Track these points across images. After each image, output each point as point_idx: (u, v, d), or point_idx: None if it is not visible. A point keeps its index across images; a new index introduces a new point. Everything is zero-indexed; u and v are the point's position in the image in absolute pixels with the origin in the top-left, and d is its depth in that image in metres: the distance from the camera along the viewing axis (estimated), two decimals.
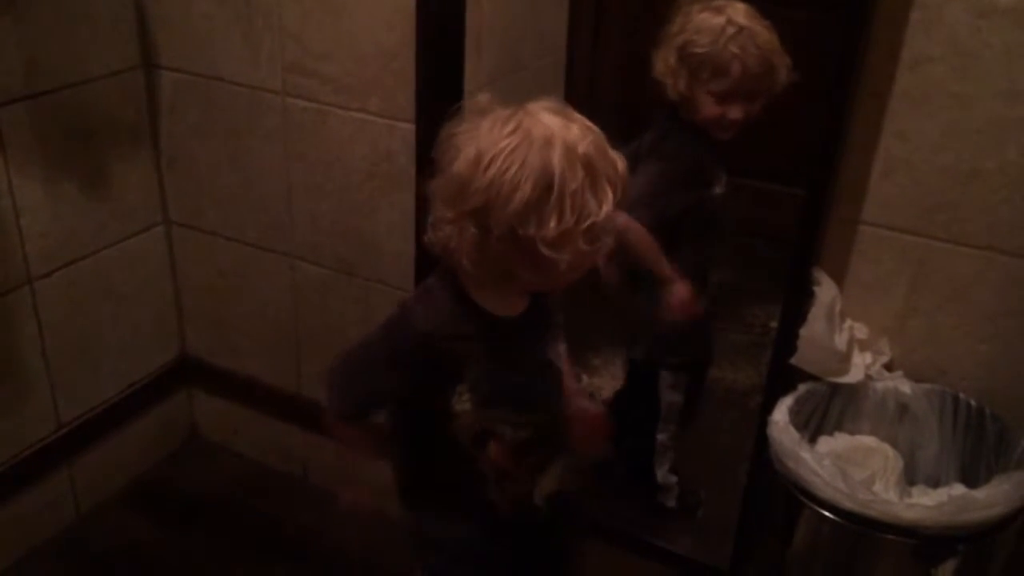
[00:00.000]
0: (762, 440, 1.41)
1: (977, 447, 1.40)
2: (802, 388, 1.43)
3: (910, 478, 1.44)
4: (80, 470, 1.96)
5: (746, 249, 2.91)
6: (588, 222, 1.06)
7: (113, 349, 1.97)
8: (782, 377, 1.46)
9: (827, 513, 1.27)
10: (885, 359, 1.45)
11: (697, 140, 1.68)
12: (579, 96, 3.24)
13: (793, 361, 1.43)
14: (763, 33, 1.57)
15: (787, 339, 1.43)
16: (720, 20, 1.57)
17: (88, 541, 1.95)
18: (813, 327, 1.41)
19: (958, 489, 1.37)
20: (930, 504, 1.24)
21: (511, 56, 2.86)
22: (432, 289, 1.21)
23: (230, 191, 1.91)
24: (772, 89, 1.60)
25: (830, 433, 1.46)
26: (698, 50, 1.58)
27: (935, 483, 1.43)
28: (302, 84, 1.73)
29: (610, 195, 1.09)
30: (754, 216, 2.87)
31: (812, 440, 1.43)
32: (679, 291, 1.70)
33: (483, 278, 1.15)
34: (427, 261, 1.77)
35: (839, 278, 1.45)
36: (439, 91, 1.64)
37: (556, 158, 1.05)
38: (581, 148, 1.07)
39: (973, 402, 1.41)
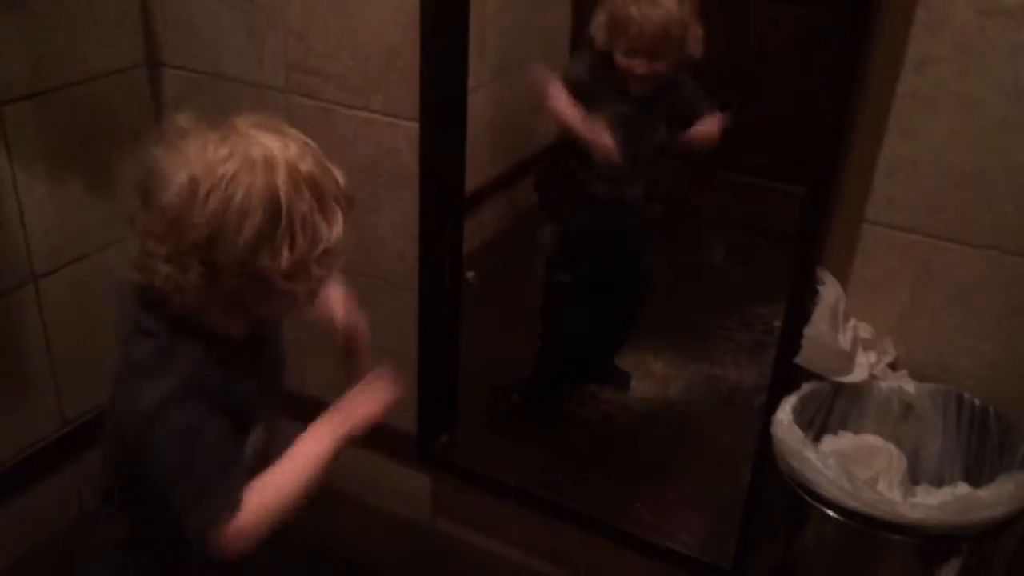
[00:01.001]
0: (766, 439, 1.40)
1: (981, 446, 1.40)
2: (806, 387, 1.43)
3: (914, 477, 1.43)
4: (85, 467, 1.96)
5: (750, 248, 2.91)
6: (321, 247, 1.02)
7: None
8: (786, 376, 1.45)
9: (831, 512, 1.27)
10: (889, 358, 1.45)
11: (603, 72, 1.97)
12: None
13: (797, 360, 1.43)
14: (667, 3, 1.85)
15: (791, 338, 1.43)
16: None
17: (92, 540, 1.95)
18: (817, 326, 1.41)
19: (962, 488, 1.37)
20: (934, 503, 1.24)
21: (514, 54, 2.86)
22: (163, 353, 1.08)
23: None
24: (680, 53, 1.89)
25: (834, 432, 1.45)
26: (615, 10, 1.89)
27: (939, 482, 1.43)
28: (306, 82, 1.73)
29: (339, 214, 1.04)
30: (758, 214, 2.87)
31: (816, 439, 1.43)
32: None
33: (206, 310, 1.07)
34: (431, 260, 1.79)
35: (843, 277, 1.45)
36: (443, 89, 1.64)
37: (281, 181, 0.99)
38: (304, 167, 1.01)
39: (978, 401, 1.40)
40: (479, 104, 2.59)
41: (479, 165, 2.55)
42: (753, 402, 2.17)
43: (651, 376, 2.44)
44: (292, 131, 1.06)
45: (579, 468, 2.06)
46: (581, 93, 1.96)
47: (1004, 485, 1.24)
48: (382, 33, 1.62)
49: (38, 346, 1.80)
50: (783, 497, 1.35)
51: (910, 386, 1.43)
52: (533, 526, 1.91)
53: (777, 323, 1.51)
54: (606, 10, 1.92)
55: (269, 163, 1.00)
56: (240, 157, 0.99)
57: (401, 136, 1.68)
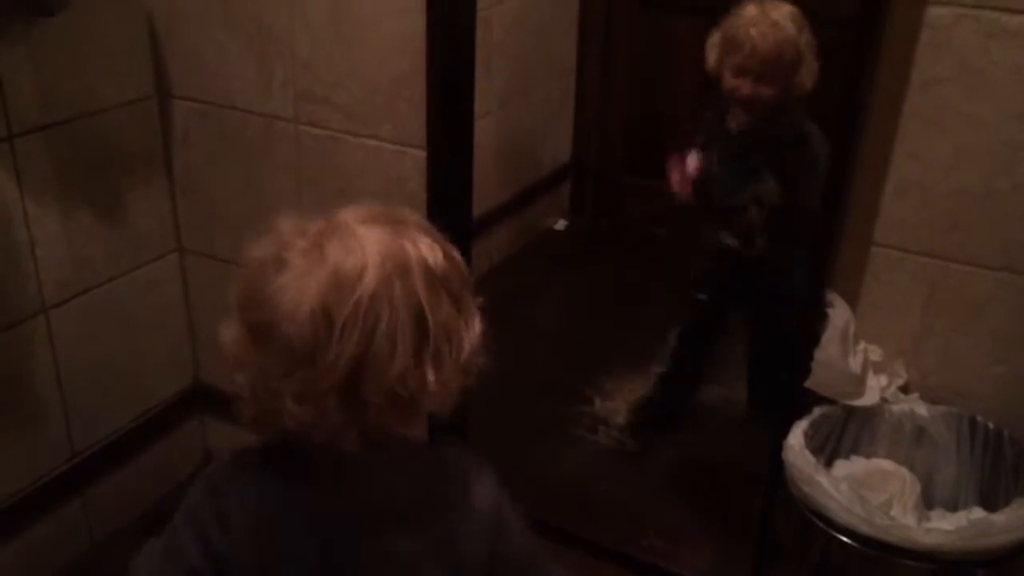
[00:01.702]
0: (777, 464, 1.39)
1: (995, 470, 1.39)
2: (817, 411, 1.42)
3: (928, 502, 1.42)
4: (94, 498, 1.96)
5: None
6: (466, 353, 0.88)
7: (127, 377, 1.98)
8: (797, 401, 1.45)
9: (844, 538, 1.25)
10: (901, 381, 1.44)
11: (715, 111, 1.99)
12: (588, 121, 3.26)
13: (807, 384, 1.42)
14: (787, 28, 1.83)
15: (801, 362, 1.42)
16: (754, 9, 1.86)
17: (102, 570, 1.94)
18: (827, 350, 1.40)
19: (977, 513, 1.35)
20: (949, 529, 1.23)
21: (521, 80, 2.88)
22: None
23: (243, 218, 1.92)
24: (787, 79, 1.86)
25: (846, 457, 1.44)
26: (732, 31, 1.88)
27: (953, 507, 1.42)
28: (314, 112, 1.74)
29: (473, 307, 0.90)
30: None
31: (828, 464, 1.42)
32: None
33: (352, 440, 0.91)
34: None
35: (853, 300, 1.44)
36: (450, 117, 1.65)
37: (420, 289, 0.84)
38: (434, 263, 0.86)
39: (991, 425, 1.39)
40: (486, 130, 2.61)
41: (487, 190, 2.56)
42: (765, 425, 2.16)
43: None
44: (406, 213, 0.91)
45: (588, 493, 2.05)
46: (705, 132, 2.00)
47: (1020, 509, 1.23)
48: (389, 62, 1.64)
49: (48, 377, 1.81)
50: (796, 522, 1.34)
51: (922, 409, 1.42)
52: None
53: None
54: (721, 30, 1.91)
55: (404, 269, 0.84)
56: (374, 271, 0.83)
57: (409, 164, 1.69)
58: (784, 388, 2.20)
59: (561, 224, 3.34)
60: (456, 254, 0.92)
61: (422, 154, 1.67)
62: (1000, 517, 1.22)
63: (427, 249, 0.87)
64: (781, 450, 1.37)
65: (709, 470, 2.19)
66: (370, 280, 0.82)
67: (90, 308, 1.85)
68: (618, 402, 2.43)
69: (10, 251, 1.67)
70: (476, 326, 0.90)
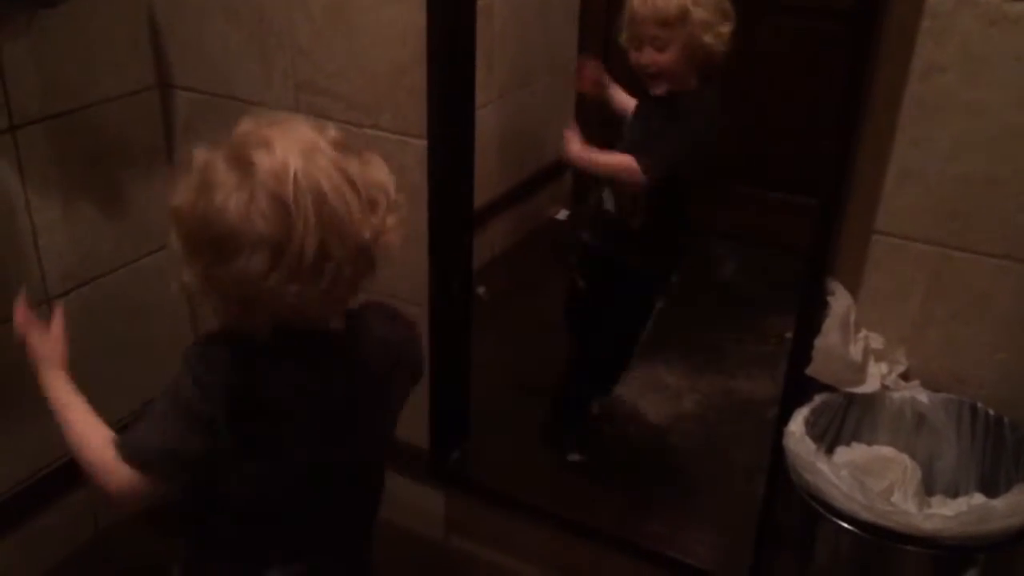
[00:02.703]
0: (778, 452, 1.40)
1: (996, 456, 1.39)
2: (818, 399, 1.43)
3: (929, 488, 1.42)
4: (98, 488, 1.97)
5: (760, 260, 2.91)
6: (393, 192, 1.04)
7: (131, 366, 1.98)
8: (798, 388, 1.45)
9: (845, 524, 1.26)
10: (901, 369, 1.44)
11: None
12: (590, 108, 3.25)
13: (808, 372, 1.43)
14: None
15: (802, 350, 1.43)
16: None
17: (108, 559, 1.96)
18: (828, 337, 1.40)
19: (977, 499, 1.36)
20: (949, 514, 1.23)
21: (522, 71, 2.87)
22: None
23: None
24: (688, 45, 1.81)
25: (847, 444, 1.45)
26: (629, 3, 1.86)
27: (954, 493, 1.42)
28: (315, 102, 1.74)
29: (374, 156, 1.05)
30: (767, 226, 2.87)
31: (829, 451, 1.42)
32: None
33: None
34: (441, 276, 1.80)
35: (854, 288, 1.44)
36: (451, 107, 1.65)
37: (334, 156, 1.00)
38: (334, 136, 1.02)
39: (991, 411, 1.39)
40: (487, 120, 2.60)
41: (488, 180, 2.56)
42: (766, 414, 2.17)
43: (664, 389, 2.43)
44: (287, 116, 1.10)
45: (592, 482, 2.05)
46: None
47: (1020, 495, 1.23)
48: (390, 52, 1.64)
49: None
50: (797, 510, 1.34)
51: (923, 396, 1.42)
52: (547, 541, 1.90)
53: (789, 334, 1.51)
54: (626, 5, 1.90)
55: (313, 147, 0.99)
56: (294, 155, 0.98)
57: (410, 154, 1.69)
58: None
59: (563, 214, 3.34)
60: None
61: (423, 144, 1.67)
62: (1000, 503, 1.22)
63: (318, 128, 1.02)
64: (782, 437, 1.38)
65: (711, 458, 2.20)
66: (295, 161, 0.96)
67: (93, 298, 1.86)
68: (621, 392, 2.43)
69: (13, 242, 1.68)
70: (383, 167, 1.04)
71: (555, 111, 3.21)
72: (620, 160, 1.89)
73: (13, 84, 1.61)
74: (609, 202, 2.03)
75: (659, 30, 1.81)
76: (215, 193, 0.97)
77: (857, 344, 1.42)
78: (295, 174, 0.95)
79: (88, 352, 1.87)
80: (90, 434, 1.19)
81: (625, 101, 2.09)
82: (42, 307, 1.76)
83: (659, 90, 1.89)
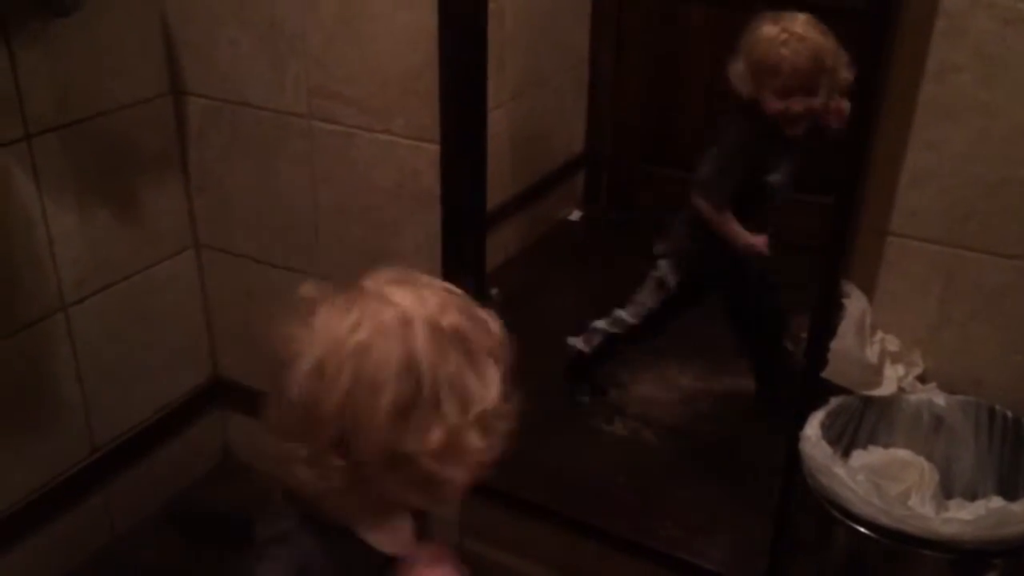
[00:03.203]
0: (794, 455, 1.39)
1: (1015, 459, 1.38)
2: (834, 402, 1.42)
3: (947, 491, 1.41)
4: (115, 492, 1.98)
5: (774, 259, 2.89)
6: (475, 411, 0.85)
7: (146, 372, 1.99)
8: (813, 391, 1.44)
9: (862, 529, 1.25)
10: (918, 371, 1.44)
11: (756, 130, 1.95)
12: (601, 111, 3.25)
13: (824, 375, 1.42)
14: (814, 37, 1.83)
15: (818, 352, 1.42)
16: (775, 29, 1.85)
17: (124, 564, 1.97)
18: (844, 340, 1.40)
19: (996, 502, 1.34)
20: (968, 518, 1.22)
21: (534, 71, 2.87)
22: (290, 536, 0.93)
23: (259, 214, 1.93)
24: (832, 84, 1.84)
25: (863, 447, 1.44)
26: (756, 56, 1.87)
27: (972, 496, 1.41)
28: (327, 107, 1.74)
29: (493, 368, 0.88)
30: (782, 225, 2.85)
31: (845, 454, 1.41)
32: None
33: (358, 518, 0.92)
34: (454, 279, 1.79)
35: (869, 290, 1.44)
36: (463, 110, 1.65)
37: (420, 343, 0.83)
38: (446, 321, 0.85)
39: (1009, 413, 1.38)
40: (499, 122, 2.60)
41: (500, 181, 2.56)
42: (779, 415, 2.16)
43: (677, 390, 2.42)
44: (431, 280, 0.91)
45: (605, 484, 2.05)
46: (748, 159, 1.97)
47: None
48: (401, 56, 1.64)
49: (68, 374, 1.82)
50: (813, 513, 1.34)
51: (940, 399, 1.41)
52: (560, 544, 1.90)
53: (804, 335, 1.50)
54: (745, 56, 1.89)
55: (404, 324, 0.84)
56: (370, 324, 0.84)
57: (422, 158, 1.69)
58: (783, 368, 2.24)
59: (576, 215, 3.33)
60: (486, 317, 0.91)
61: (436, 148, 1.67)
62: (1019, 506, 1.21)
63: (438, 308, 0.87)
64: (798, 441, 1.37)
65: (726, 460, 2.19)
66: (364, 334, 0.83)
67: (109, 305, 1.87)
68: (634, 392, 2.43)
69: (29, 250, 1.69)
70: (494, 389, 0.88)
71: (567, 112, 3.21)
72: None
73: (28, 93, 1.62)
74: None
75: (814, 78, 1.83)
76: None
77: (873, 346, 1.41)
78: (350, 346, 0.84)
79: (103, 359, 1.89)
80: None
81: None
82: (57, 315, 1.77)
83: (796, 131, 1.93)
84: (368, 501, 0.89)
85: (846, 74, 1.83)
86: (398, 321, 0.84)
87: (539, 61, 2.90)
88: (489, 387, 0.87)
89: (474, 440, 0.86)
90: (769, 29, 1.86)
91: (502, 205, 2.74)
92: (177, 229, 1.99)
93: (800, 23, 1.84)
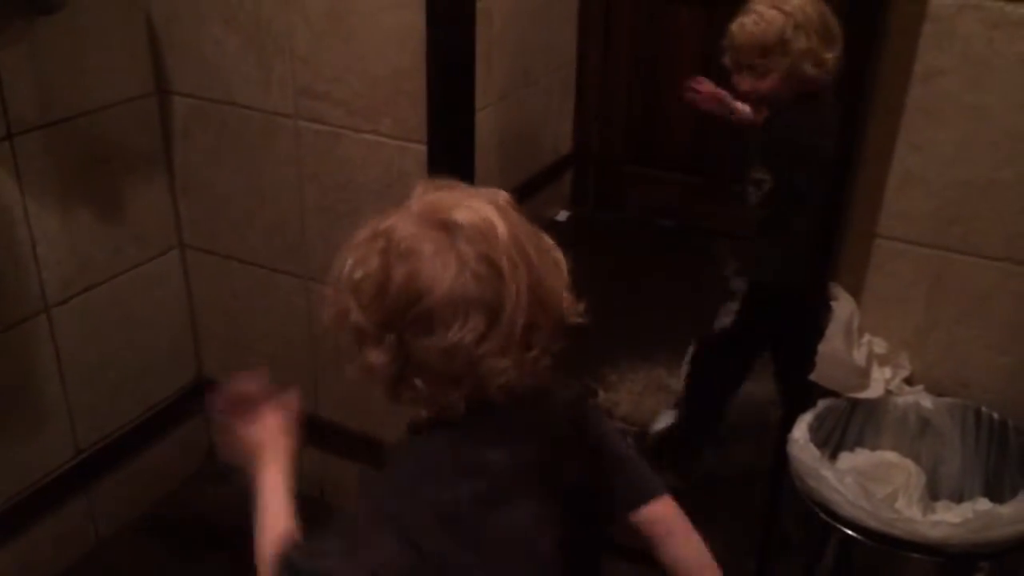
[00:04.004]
0: (781, 458, 1.39)
1: (1001, 461, 1.39)
2: (821, 404, 1.42)
3: (933, 493, 1.42)
4: (99, 496, 1.97)
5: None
6: (566, 273, 0.94)
7: (130, 374, 1.98)
8: (801, 394, 1.44)
9: (850, 532, 1.25)
10: (905, 373, 1.44)
11: None
12: (589, 111, 3.25)
13: (812, 377, 1.42)
14: (774, 19, 1.75)
15: (806, 356, 1.42)
16: (754, 3, 1.78)
17: (108, 567, 1.95)
18: (831, 343, 1.40)
19: (983, 504, 1.35)
20: (955, 521, 1.22)
21: (522, 70, 2.86)
22: None
23: (244, 215, 1.92)
24: (785, 71, 1.76)
25: (851, 449, 1.44)
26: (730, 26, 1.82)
27: (959, 498, 1.42)
28: (314, 107, 1.73)
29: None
30: None
31: (833, 456, 1.41)
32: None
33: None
34: None
35: (856, 293, 1.44)
36: (450, 111, 1.64)
37: (524, 226, 0.92)
38: (518, 209, 0.93)
39: (996, 415, 1.39)
40: (487, 122, 2.59)
41: (488, 182, 2.53)
42: (768, 415, 2.16)
43: (665, 391, 2.42)
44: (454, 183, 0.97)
45: None
46: None
47: None
48: (389, 56, 1.63)
49: (52, 375, 1.81)
50: (800, 516, 1.34)
51: (927, 401, 1.42)
52: None
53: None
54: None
55: (509, 213, 0.92)
56: (496, 215, 0.89)
57: (410, 159, 1.69)
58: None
59: (563, 215, 3.33)
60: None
61: (423, 148, 1.66)
62: (1006, 509, 1.22)
63: (505, 199, 0.93)
64: (785, 444, 1.37)
65: (713, 461, 2.19)
66: (499, 222, 0.88)
67: (92, 306, 1.85)
68: (622, 394, 2.42)
69: (11, 250, 1.67)
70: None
71: (555, 112, 3.20)
72: None
73: (10, 92, 1.60)
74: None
75: (757, 58, 1.78)
76: (417, 257, 0.87)
77: (860, 349, 1.42)
78: (502, 234, 0.87)
79: (87, 361, 1.87)
80: (269, 525, 1.07)
81: (745, 110, 2.03)
82: (40, 316, 1.75)
83: (758, 116, 1.90)
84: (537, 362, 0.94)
85: (811, 68, 1.76)
86: (506, 211, 0.90)
87: (526, 61, 2.89)
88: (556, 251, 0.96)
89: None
90: (752, 3, 1.81)
91: None
92: (162, 230, 1.97)
93: (770, 3, 1.78)
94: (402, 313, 0.88)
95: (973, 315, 1.39)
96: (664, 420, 2.21)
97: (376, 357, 0.90)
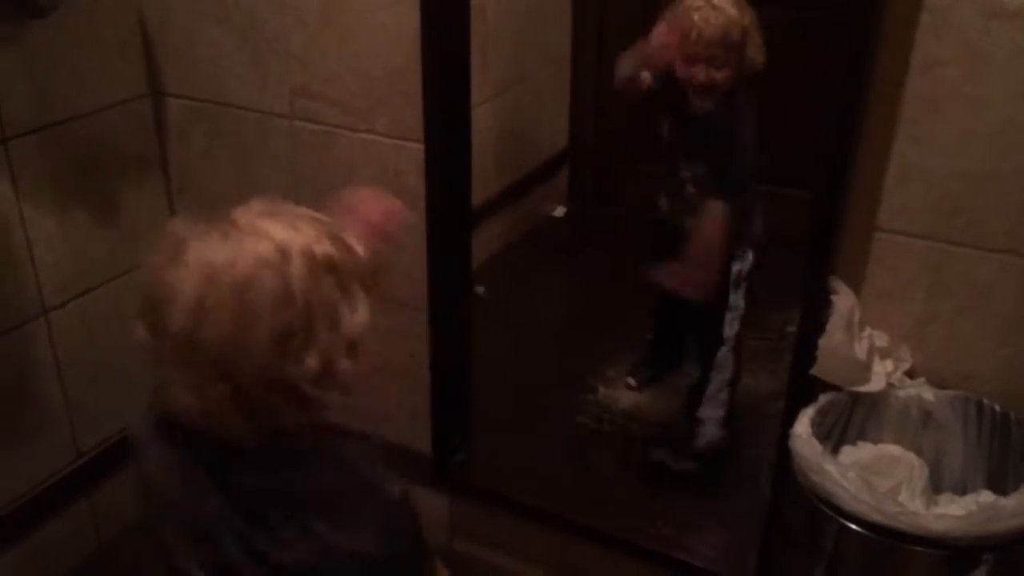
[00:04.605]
0: (784, 452, 1.39)
1: (1003, 453, 1.38)
2: (823, 399, 1.42)
3: (936, 486, 1.41)
4: (100, 499, 1.96)
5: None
6: (347, 333, 0.92)
7: (129, 376, 1.97)
8: (802, 387, 1.44)
9: (853, 526, 1.25)
10: (906, 366, 1.43)
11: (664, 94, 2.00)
12: (584, 106, 3.24)
13: (813, 372, 1.42)
14: (728, 10, 1.86)
15: (806, 349, 1.42)
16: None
17: (111, 570, 1.95)
18: (832, 337, 1.39)
19: (986, 496, 1.35)
20: (959, 514, 1.22)
21: (516, 68, 2.86)
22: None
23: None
24: (739, 61, 1.89)
25: (853, 443, 1.44)
26: (674, 20, 1.90)
27: (962, 490, 1.41)
28: (309, 107, 1.73)
29: (362, 297, 0.94)
30: (768, 221, 2.85)
31: (835, 450, 1.41)
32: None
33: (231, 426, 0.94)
34: (440, 278, 1.78)
35: (856, 286, 1.43)
36: (446, 108, 1.64)
37: (296, 273, 0.88)
38: (319, 251, 0.90)
39: (998, 407, 1.39)
40: (483, 119, 2.59)
41: (484, 178, 2.55)
42: (769, 409, 2.16)
43: (665, 387, 2.42)
44: (302, 210, 0.95)
45: (595, 483, 2.04)
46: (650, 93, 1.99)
47: None
48: (384, 55, 1.62)
49: (51, 379, 1.80)
50: (804, 510, 1.34)
51: (929, 394, 1.41)
52: (551, 543, 1.89)
53: (790, 328, 1.50)
54: (667, 20, 1.93)
55: (281, 256, 0.88)
56: (248, 257, 0.87)
57: (406, 158, 1.68)
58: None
59: (560, 211, 3.33)
60: (354, 245, 0.96)
61: (419, 147, 1.66)
62: (1010, 501, 1.22)
63: (313, 238, 0.91)
64: (788, 438, 1.37)
65: (717, 458, 2.19)
66: (240, 266, 0.87)
67: (90, 309, 1.85)
68: (621, 390, 2.42)
69: (8, 254, 1.66)
70: (362, 314, 0.93)
71: (550, 108, 3.20)
72: (714, 225, 1.95)
73: (4, 95, 1.59)
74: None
75: (720, 50, 1.86)
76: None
77: (861, 343, 1.41)
78: (233, 274, 0.87)
79: (86, 364, 1.86)
80: None
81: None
82: (38, 320, 1.75)
83: (704, 104, 1.95)
84: (251, 418, 0.93)
85: (754, 55, 1.90)
86: (275, 253, 0.88)
87: (521, 57, 2.89)
88: (356, 312, 0.93)
89: (345, 364, 0.92)
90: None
91: (486, 202, 2.73)
92: (158, 231, 1.96)
93: None
94: (145, 306, 0.95)
95: (974, 307, 1.39)
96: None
97: (136, 331, 0.97)
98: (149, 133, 1.89)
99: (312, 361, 0.90)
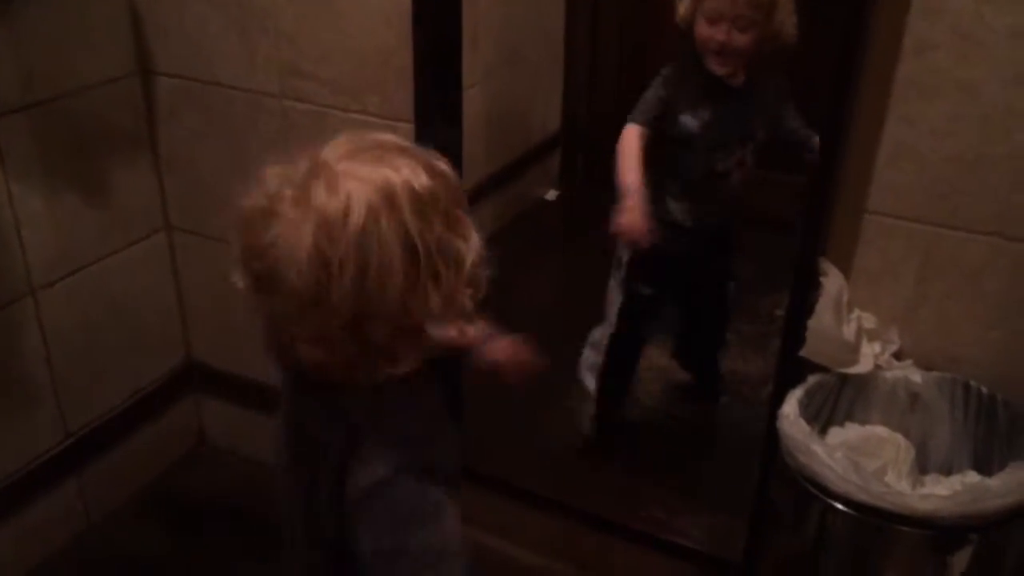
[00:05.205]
0: (772, 433, 1.40)
1: (989, 435, 1.39)
2: (811, 380, 1.42)
3: (922, 467, 1.43)
4: (89, 479, 1.96)
5: (749, 238, 2.89)
6: (467, 267, 0.90)
7: (118, 357, 1.97)
8: (791, 369, 1.45)
9: (840, 506, 1.26)
10: (894, 348, 1.44)
11: (681, 61, 1.86)
12: (577, 88, 3.23)
13: (802, 353, 1.42)
14: None
15: (795, 331, 1.42)
16: None
17: (100, 550, 1.95)
18: (821, 318, 1.40)
19: (971, 477, 1.36)
20: (945, 494, 1.23)
21: (509, 49, 2.85)
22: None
23: (231, 195, 1.90)
24: (767, 28, 1.75)
25: (840, 424, 1.45)
26: None
27: (948, 471, 1.42)
28: (300, 86, 1.72)
29: (466, 220, 0.91)
30: (756, 204, 2.85)
31: (823, 431, 1.42)
32: (623, 209, 1.87)
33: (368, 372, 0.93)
34: None
35: (846, 268, 1.44)
36: (437, 89, 1.63)
37: (408, 216, 0.85)
38: (420, 185, 0.87)
39: (985, 389, 1.39)
40: (474, 101, 2.58)
41: (476, 161, 2.54)
42: (759, 392, 2.17)
43: (656, 370, 2.43)
44: (386, 138, 0.92)
45: (589, 467, 2.05)
46: (668, 105, 1.87)
47: (1014, 473, 1.23)
48: (375, 34, 1.61)
49: (39, 359, 1.80)
50: (792, 491, 1.34)
51: (916, 376, 1.42)
52: (546, 527, 1.90)
53: (779, 312, 1.50)
54: None
55: (390, 200, 0.85)
56: (359, 206, 0.84)
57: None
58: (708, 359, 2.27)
59: (552, 194, 3.32)
60: (444, 168, 0.92)
61: (410, 127, 1.65)
62: (995, 481, 1.23)
63: (410, 173, 0.87)
64: (776, 419, 1.37)
65: (706, 441, 2.20)
66: (356, 218, 0.84)
67: (78, 289, 1.84)
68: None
69: None
70: (474, 239, 0.91)
71: (543, 90, 3.19)
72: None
73: None
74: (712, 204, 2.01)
75: (748, 9, 1.73)
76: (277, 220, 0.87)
77: (850, 324, 1.42)
78: (348, 234, 0.84)
79: (74, 344, 1.86)
80: None
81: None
82: (26, 299, 1.74)
83: (731, 78, 1.83)
84: (373, 363, 0.91)
85: (785, 23, 1.75)
86: (383, 198, 0.85)
87: (514, 39, 2.88)
88: (470, 242, 0.91)
89: (466, 298, 0.91)
90: None
91: (478, 184, 2.72)
92: (148, 211, 1.96)
93: None
94: (250, 260, 0.91)
95: (963, 290, 1.39)
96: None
97: (240, 284, 0.95)
98: (138, 112, 1.88)
99: (436, 301, 0.88)
